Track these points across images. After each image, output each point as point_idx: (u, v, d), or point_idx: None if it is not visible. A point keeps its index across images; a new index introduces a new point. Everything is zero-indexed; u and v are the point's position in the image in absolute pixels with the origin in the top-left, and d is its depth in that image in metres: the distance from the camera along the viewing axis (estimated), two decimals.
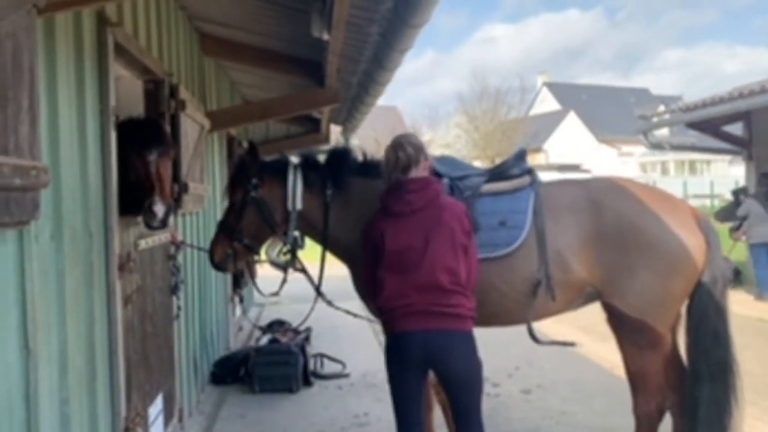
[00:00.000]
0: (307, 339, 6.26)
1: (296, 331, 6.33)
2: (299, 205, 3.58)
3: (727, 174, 36.69)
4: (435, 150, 36.96)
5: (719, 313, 3.29)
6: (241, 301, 7.90)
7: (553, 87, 52.31)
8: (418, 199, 2.97)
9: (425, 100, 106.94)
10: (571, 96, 49.30)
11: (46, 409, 2.37)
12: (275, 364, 5.69)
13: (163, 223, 3.42)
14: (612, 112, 44.91)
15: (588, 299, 3.42)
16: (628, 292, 3.24)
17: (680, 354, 3.49)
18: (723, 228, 10.23)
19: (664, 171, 44.11)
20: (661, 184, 33.03)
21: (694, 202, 26.57)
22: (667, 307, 3.27)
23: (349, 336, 6.94)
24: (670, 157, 40.41)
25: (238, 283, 7.61)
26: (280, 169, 3.64)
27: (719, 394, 3.24)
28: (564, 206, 3.36)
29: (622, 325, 3.31)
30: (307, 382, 5.81)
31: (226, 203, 3.82)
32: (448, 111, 54.35)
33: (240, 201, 3.60)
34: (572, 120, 45.49)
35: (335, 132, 10.82)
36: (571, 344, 3.55)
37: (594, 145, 44.69)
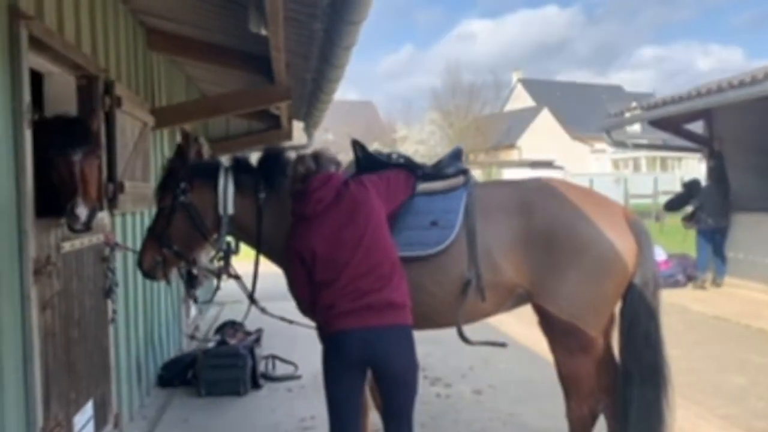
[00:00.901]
0: (257, 340, 6.16)
1: (247, 333, 6.22)
2: (231, 210, 3.49)
3: (697, 170, 37.22)
4: (410, 146, 36.94)
5: (650, 315, 3.26)
6: (196, 301, 7.74)
7: (527, 83, 52.62)
8: (325, 193, 2.95)
9: (402, 96, 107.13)
10: (545, 93, 49.63)
11: None
12: (222, 367, 5.58)
13: (87, 226, 3.30)
14: (585, 110, 45.27)
15: (520, 301, 3.38)
16: (557, 294, 3.20)
17: (615, 357, 3.46)
18: (674, 220, 10.52)
19: (636, 167, 44.62)
20: (632, 180, 33.37)
21: (663, 198, 26.88)
22: (598, 310, 3.24)
23: (304, 336, 6.78)
24: (642, 154, 40.90)
25: (192, 283, 7.46)
26: (210, 173, 3.54)
27: (649, 396, 3.21)
28: (495, 207, 3.31)
29: (552, 327, 3.27)
30: (256, 385, 5.71)
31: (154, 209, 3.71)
32: (423, 107, 54.37)
33: (169, 206, 3.50)
34: (546, 117, 45.79)
35: (298, 128, 10.70)
36: (502, 345, 3.51)
37: (567, 142, 45.03)
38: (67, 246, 3.54)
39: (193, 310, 7.98)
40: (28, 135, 3.06)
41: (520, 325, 6.53)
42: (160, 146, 6.33)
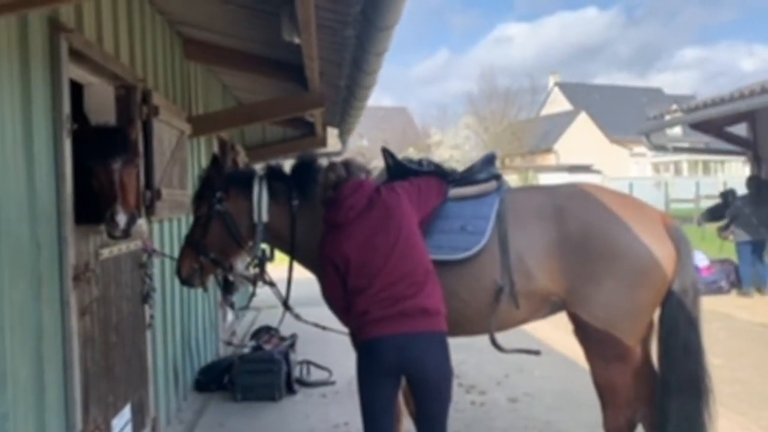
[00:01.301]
0: (292, 346, 6.19)
1: (282, 338, 6.27)
2: (265, 217, 3.53)
3: (742, 174, 36.24)
4: (444, 151, 36.84)
5: (690, 323, 3.17)
6: (232, 306, 7.84)
7: (564, 87, 52.01)
8: (357, 200, 2.96)
9: (437, 101, 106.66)
10: (582, 96, 48.98)
11: None
12: (258, 372, 5.63)
13: (125, 233, 3.36)
14: (624, 113, 44.50)
15: (554, 308, 3.32)
16: (592, 302, 3.13)
17: (653, 366, 3.38)
18: (711, 229, 10.27)
19: (677, 171, 43.65)
20: (673, 184, 32.65)
21: (705, 202, 26.23)
22: (635, 319, 3.16)
23: (339, 341, 6.82)
24: (684, 157, 39.97)
25: (228, 289, 7.55)
26: (245, 181, 3.59)
27: (689, 407, 3.12)
28: (529, 213, 3.27)
29: (587, 336, 3.21)
30: (291, 390, 5.75)
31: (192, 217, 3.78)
32: (458, 112, 54.21)
33: (205, 215, 3.56)
34: (583, 120, 45.17)
35: (333, 135, 10.76)
36: (536, 352, 3.45)
37: (605, 146, 44.34)
38: (105, 252, 3.62)
39: (230, 316, 8.08)
40: (67, 144, 3.14)
41: (556, 332, 6.42)
42: (197, 154, 6.44)
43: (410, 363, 2.82)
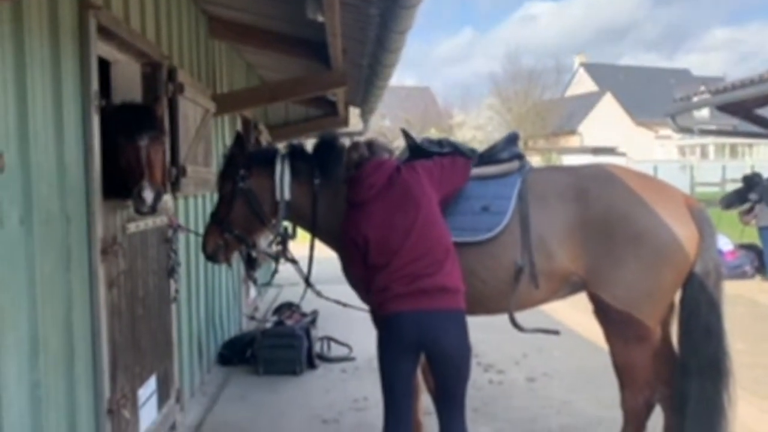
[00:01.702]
0: (313, 322, 6.28)
1: (303, 314, 6.35)
2: (287, 195, 3.58)
3: None
4: (467, 132, 36.62)
5: (711, 306, 3.16)
6: (255, 282, 7.94)
7: (590, 68, 51.24)
8: (377, 179, 2.99)
9: (460, 81, 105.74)
10: (608, 77, 48.23)
11: (13, 392, 2.40)
12: (280, 347, 5.73)
13: (153, 209, 3.42)
14: (650, 94, 43.77)
15: (574, 289, 3.33)
16: (614, 283, 3.14)
17: (673, 347, 3.38)
18: (731, 214, 10.12)
19: (704, 155, 42.96)
20: (699, 167, 32.16)
21: (731, 186, 25.82)
22: (656, 300, 3.16)
23: (359, 319, 6.88)
24: (710, 140, 39.31)
25: (251, 265, 7.64)
26: (267, 160, 3.64)
27: (709, 389, 3.12)
28: (551, 193, 3.26)
29: (608, 317, 3.21)
30: (312, 365, 5.84)
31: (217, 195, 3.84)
32: (482, 92, 53.79)
33: (229, 193, 3.62)
34: (609, 102, 44.54)
35: (354, 114, 10.76)
36: (555, 332, 3.46)
37: (631, 128, 43.73)
38: (132, 227, 3.69)
39: (253, 292, 8.19)
40: (96, 120, 3.19)
41: (575, 312, 6.43)
42: (222, 132, 6.50)
43: (428, 339, 2.86)
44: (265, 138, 9.21)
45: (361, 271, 3.05)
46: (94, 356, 3.17)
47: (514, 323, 3.35)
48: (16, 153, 2.48)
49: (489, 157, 3.44)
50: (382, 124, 33.35)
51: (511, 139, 3.54)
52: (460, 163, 3.31)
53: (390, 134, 27.54)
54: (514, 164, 3.40)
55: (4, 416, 2.32)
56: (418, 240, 2.88)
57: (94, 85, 3.18)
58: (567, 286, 3.30)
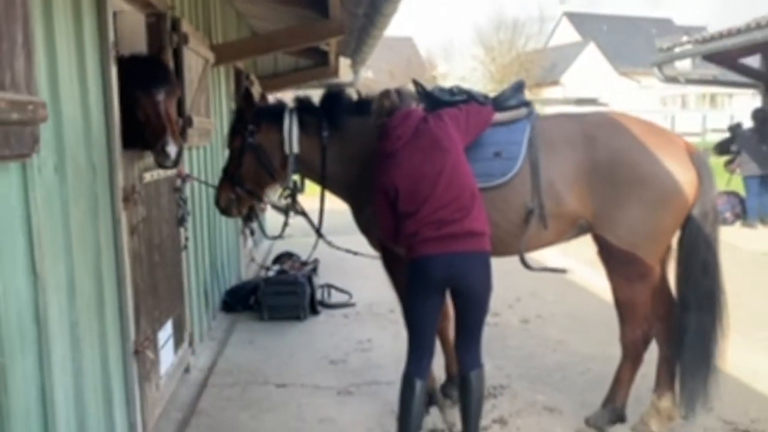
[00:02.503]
0: (314, 270, 6.44)
1: (304, 263, 6.51)
2: (296, 149, 3.66)
3: (749, 107, 35.92)
4: (451, 83, 36.37)
5: (709, 245, 3.36)
6: (252, 233, 8.05)
7: (573, 17, 50.73)
8: (405, 129, 3.08)
9: (442, 31, 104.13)
10: (591, 26, 47.83)
11: (57, 330, 2.53)
12: (283, 294, 5.90)
13: (175, 163, 3.50)
14: (633, 44, 43.60)
15: (579, 231, 3.50)
16: (619, 225, 3.31)
17: (669, 285, 3.59)
18: (719, 161, 10.41)
19: (684, 104, 43.23)
20: (680, 117, 32.41)
21: (711, 136, 26.14)
22: (657, 240, 3.35)
23: (357, 268, 7.06)
24: (691, 90, 39.50)
25: (249, 216, 7.74)
26: (275, 115, 3.71)
27: (706, 322, 3.35)
28: (559, 139, 3.40)
29: (612, 257, 3.40)
30: (314, 311, 6.02)
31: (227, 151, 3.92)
32: (465, 43, 53.24)
33: (239, 148, 3.71)
34: (592, 52, 44.30)
35: (345, 65, 10.71)
36: (563, 271, 3.66)
37: (614, 78, 43.69)
38: (147, 177, 3.77)
39: (249, 243, 8.31)
40: (114, 71, 3.23)
41: (566, 259, 6.65)
42: (217, 83, 6.49)
43: (458, 278, 3.03)
44: (256, 90, 9.18)
45: (389, 218, 3.15)
46: (120, 300, 3.29)
47: (524, 263, 3.52)
48: (48, 103, 2.54)
49: (498, 104, 3.54)
50: (366, 76, 32.96)
51: (518, 87, 3.65)
52: (485, 111, 3.41)
53: (374, 85, 27.29)
54: (523, 111, 3.52)
55: (52, 352, 2.45)
56: (446, 187, 3.00)
57: (111, 35, 3.20)
58: (574, 229, 3.47)
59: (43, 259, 2.41)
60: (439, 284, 3.06)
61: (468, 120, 3.28)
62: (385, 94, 3.23)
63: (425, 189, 3.00)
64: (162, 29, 4.33)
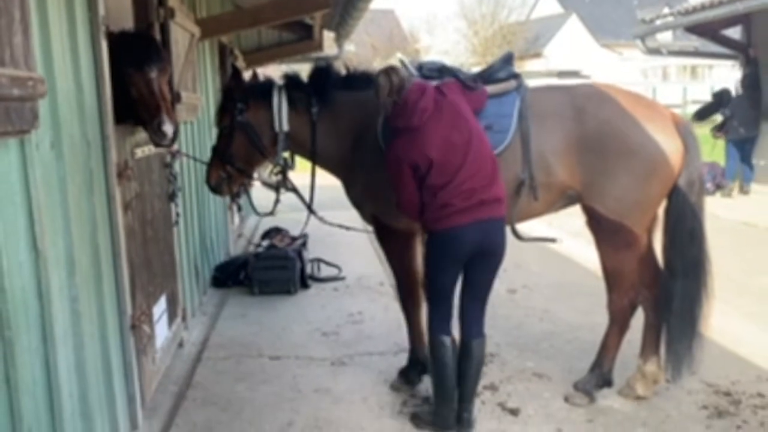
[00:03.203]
0: (304, 245, 6.48)
1: (293, 238, 6.54)
2: (286, 126, 3.67)
3: (729, 78, 36.18)
4: (433, 57, 36.19)
5: (695, 213, 3.45)
6: (240, 209, 8.07)
7: None
8: (427, 103, 3.11)
9: (425, 4, 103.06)
10: None
11: (58, 305, 2.55)
12: (274, 269, 5.94)
13: (172, 142, 3.49)
14: (615, 16, 43.58)
15: (569, 201, 3.58)
16: (607, 195, 3.39)
17: (655, 253, 3.68)
18: (702, 130, 10.58)
19: (665, 76, 43.44)
20: (661, 89, 32.57)
21: (692, 107, 26.33)
22: (645, 210, 3.43)
23: (346, 243, 7.15)
24: (672, 62, 39.66)
25: (237, 192, 7.75)
26: (264, 92, 3.71)
27: (692, 288, 3.46)
28: (548, 111, 3.45)
29: (600, 226, 3.48)
30: (305, 285, 6.08)
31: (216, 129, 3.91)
32: (447, 15, 52.84)
33: (228, 126, 3.71)
34: (574, 24, 44.20)
35: (329, 38, 10.63)
36: (552, 240, 3.74)
37: (596, 50, 43.70)
38: (138, 152, 3.77)
39: (236, 218, 8.32)
40: (104, 45, 3.21)
41: (549, 231, 6.76)
42: (202, 57, 6.45)
43: (485, 245, 3.16)
44: (240, 64, 9.11)
45: (413, 193, 3.16)
46: (116, 275, 3.31)
47: (516, 233, 3.60)
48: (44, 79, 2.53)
49: (487, 76, 3.59)
50: (348, 49, 32.69)
51: (507, 59, 3.69)
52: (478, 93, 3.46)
53: (356, 59, 27.08)
54: (512, 83, 3.56)
55: (54, 326, 2.48)
56: (475, 156, 3.09)
57: (101, 9, 3.18)
58: (563, 199, 3.55)
59: (44, 236, 2.43)
60: (468, 253, 3.16)
61: (470, 91, 3.35)
62: (392, 70, 3.22)
63: (457, 159, 3.07)
64: (148, 3, 4.28)
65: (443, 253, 3.18)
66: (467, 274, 3.26)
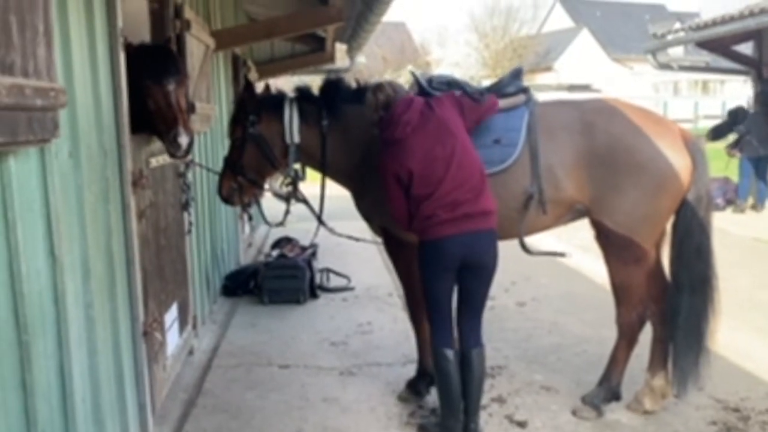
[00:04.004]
0: (313, 255, 6.53)
1: (303, 248, 6.59)
2: (297, 138, 3.73)
3: (741, 93, 36.07)
4: (444, 69, 36.30)
5: (702, 229, 3.46)
6: (250, 219, 8.13)
7: (566, 3, 50.59)
8: (411, 116, 3.18)
9: (436, 17, 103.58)
10: (585, 12, 47.78)
11: (73, 311, 2.60)
12: (284, 278, 5.98)
13: (186, 153, 3.55)
14: (626, 30, 43.64)
15: (577, 215, 3.60)
16: (616, 210, 3.41)
17: (663, 268, 3.69)
18: (716, 146, 10.55)
19: (677, 91, 43.36)
20: (672, 104, 32.55)
21: (703, 122, 26.29)
22: (653, 225, 3.45)
23: (355, 253, 7.20)
24: (683, 76, 39.60)
25: (248, 202, 7.81)
26: (276, 105, 3.77)
27: (698, 304, 3.47)
28: (558, 126, 3.48)
29: (609, 241, 3.50)
30: (314, 295, 6.12)
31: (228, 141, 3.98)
32: (458, 28, 53.15)
33: (240, 138, 3.77)
34: (585, 38, 44.29)
35: (341, 50, 10.73)
36: (561, 254, 3.76)
37: (607, 64, 43.73)
38: (153, 162, 3.84)
39: (247, 228, 8.39)
40: (122, 57, 3.28)
41: (558, 243, 6.76)
42: (216, 68, 6.53)
43: (472, 257, 3.19)
44: (253, 76, 9.22)
45: (402, 203, 3.24)
46: (129, 282, 3.36)
47: (524, 247, 3.62)
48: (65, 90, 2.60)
49: (496, 91, 3.62)
50: (359, 61, 32.87)
51: (516, 74, 3.73)
52: (490, 98, 3.50)
53: (366, 71, 27.25)
54: (521, 97, 3.60)
55: (69, 332, 2.53)
56: (458, 169, 3.12)
57: (119, 21, 3.25)
58: (571, 213, 3.57)
59: (61, 242, 2.48)
60: (455, 263, 3.19)
61: (471, 105, 3.38)
62: (379, 87, 3.32)
63: (439, 171, 3.12)
64: (165, 16, 4.37)
65: (430, 261, 3.24)
66: (461, 286, 3.31)
